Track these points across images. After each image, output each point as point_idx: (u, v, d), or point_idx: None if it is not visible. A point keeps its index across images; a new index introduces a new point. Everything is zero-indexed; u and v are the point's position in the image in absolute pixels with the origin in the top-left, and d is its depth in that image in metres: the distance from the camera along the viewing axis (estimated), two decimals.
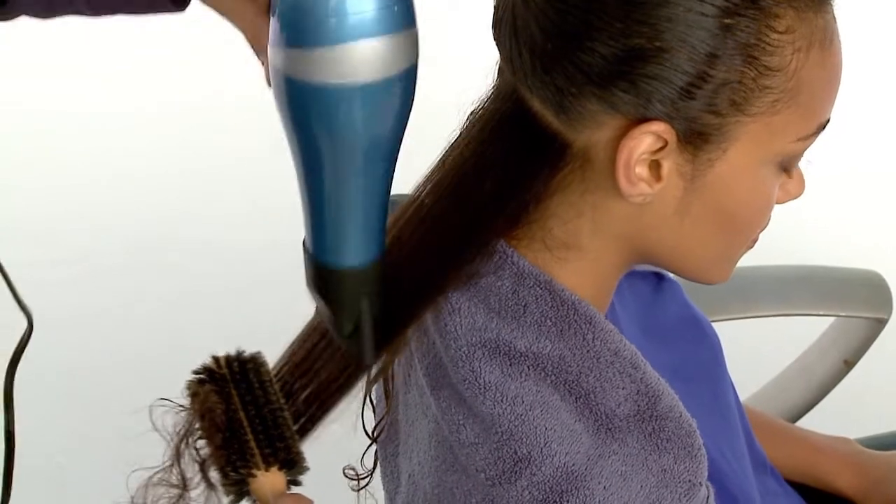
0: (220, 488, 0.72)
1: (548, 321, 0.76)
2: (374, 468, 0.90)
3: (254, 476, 0.71)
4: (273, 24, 0.65)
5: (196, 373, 0.74)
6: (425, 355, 0.79)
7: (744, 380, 1.11)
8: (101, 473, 0.79)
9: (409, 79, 0.66)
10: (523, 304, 0.76)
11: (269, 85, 0.68)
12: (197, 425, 0.75)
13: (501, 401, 0.74)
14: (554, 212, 0.76)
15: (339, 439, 0.82)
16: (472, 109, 0.77)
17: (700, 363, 0.96)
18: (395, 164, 0.70)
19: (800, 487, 1.11)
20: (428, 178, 0.78)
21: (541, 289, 0.76)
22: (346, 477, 0.90)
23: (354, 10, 0.62)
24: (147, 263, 2.71)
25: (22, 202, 2.94)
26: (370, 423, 0.87)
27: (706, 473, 0.78)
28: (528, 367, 0.75)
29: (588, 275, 0.78)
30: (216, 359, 0.74)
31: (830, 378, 1.38)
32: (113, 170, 3.02)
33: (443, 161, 0.77)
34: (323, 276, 0.73)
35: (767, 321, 1.35)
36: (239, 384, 0.73)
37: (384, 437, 0.88)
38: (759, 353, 1.67)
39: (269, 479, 0.71)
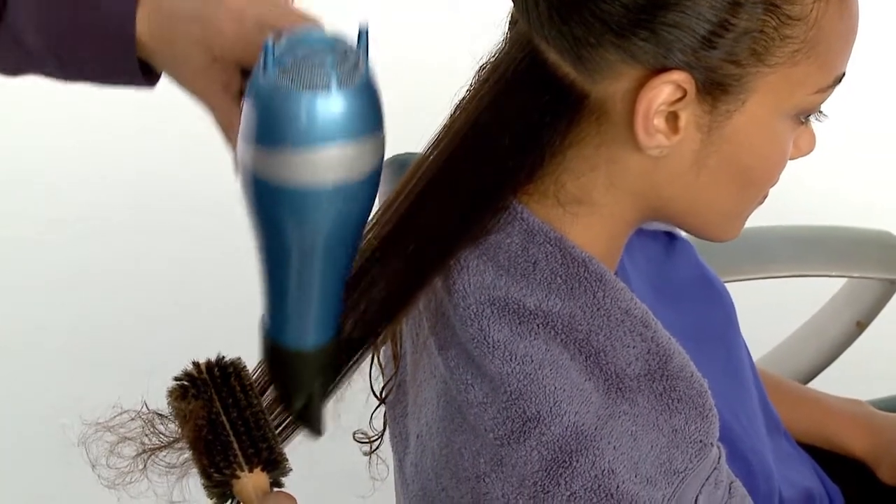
0: (203, 492, 0.72)
1: (558, 279, 0.75)
2: (384, 431, 0.90)
3: (237, 477, 0.71)
4: (243, 118, 0.65)
5: (177, 379, 0.74)
6: (433, 315, 0.79)
7: (756, 341, 1.10)
8: (105, 435, 0.78)
9: (374, 181, 0.67)
10: (533, 261, 0.75)
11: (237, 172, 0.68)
12: (179, 430, 0.75)
13: (510, 360, 0.73)
14: (567, 166, 0.75)
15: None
16: (483, 63, 0.75)
17: (712, 324, 0.95)
18: (356, 253, 0.71)
19: (812, 449, 1.10)
20: (438, 137, 0.77)
21: (551, 246, 0.75)
22: (357, 441, 0.89)
23: (325, 113, 0.62)
24: (152, 222, 2.71)
25: (28, 158, 2.93)
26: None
27: (717, 434, 0.77)
28: (538, 325, 0.74)
29: (599, 231, 0.77)
30: (196, 364, 0.74)
31: (843, 339, 1.38)
32: (118, 125, 3.01)
33: (453, 118, 0.77)
34: (279, 356, 0.74)
35: (780, 281, 1.34)
36: (220, 388, 0.73)
37: (392, 398, 0.87)
38: (771, 313, 1.66)
39: (252, 480, 0.71)
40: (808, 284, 1.36)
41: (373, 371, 0.85)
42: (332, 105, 0.62)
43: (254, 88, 0.64)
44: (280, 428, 0.80)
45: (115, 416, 0.77)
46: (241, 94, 0.78)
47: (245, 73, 0.78)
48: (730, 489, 0.80)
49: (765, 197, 0.80)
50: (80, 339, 2.34)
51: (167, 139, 2.96)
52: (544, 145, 0.73)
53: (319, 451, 0.84)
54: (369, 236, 0.79)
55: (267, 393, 0.80)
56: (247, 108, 0.65)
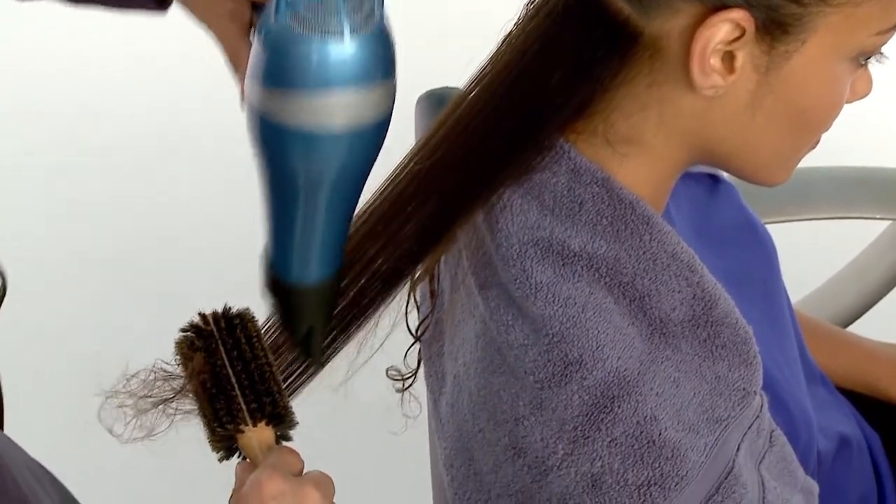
0: (208, 445, 0.72)
1: (604, 220, 0.73)
2: (418, 368, 0.89)
3: (241, 432, 0.70)
4: (252, 56, 0.64)
5: (183, 330, 0.73)
6: (474, 253, 0.77)
7: (795, 283, 1.09)
8: (137, 356, 0.78)
9: (382, 128, 0.65)
10: (579, 201, 0.73)
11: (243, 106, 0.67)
12: (184, 383, 0.74)
13: (553, 302, 0.72)
14: (618, 105, 0.73)
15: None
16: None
17: (754, 269, 0.93)
18: (362, 191, 0.70)
19: (851, 395, 1.09)
20: (482, 71, 0.75)
21: (598, 186, 0.73)
22: (390, 378, 0.88)
23: (336, 60, 0.61)
24: (176, 154, 2.70)
25: (59, 88, 2.93)
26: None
27: (761, 382, 0.76)
28: (582, 267, 0.73)
29: (648, 173, 0.76)
30: (203, 315, 0.73)
31: (886, 281, 1.36)
32: (139, 58, 2.99)
33: (499, 53, 0.75)
34: (281, 289, 0.74)
35: (821, 222, 1.32)
36: (226, 341, 0.72)
37: (428, 336, 0.86)
38: (812, 255, 1.64)
39: (256, 435, 0.70)
40: (851, 226, 1.34)
41: (408, 308, 0.84)
42: (343, 52, 0.61)
43: (264, 29, 0.63)
44: (288, 380, 0.79)
45: (128, 380, 0.76)
46: (249, 26, 0.78)
47: (256, 6, 0.77)
48: (770, 437, 0.79)
49: (817, 141, 0.78)
50: (113, 268, 2.34)
51: (193, 69, 2.95)
52: (594, 83, 0.71)
53: (353, 385, 0.83)
54: (405, 170, 0.77)
55: (274, 340, 0.80)
56: (256, 47, 0.63)
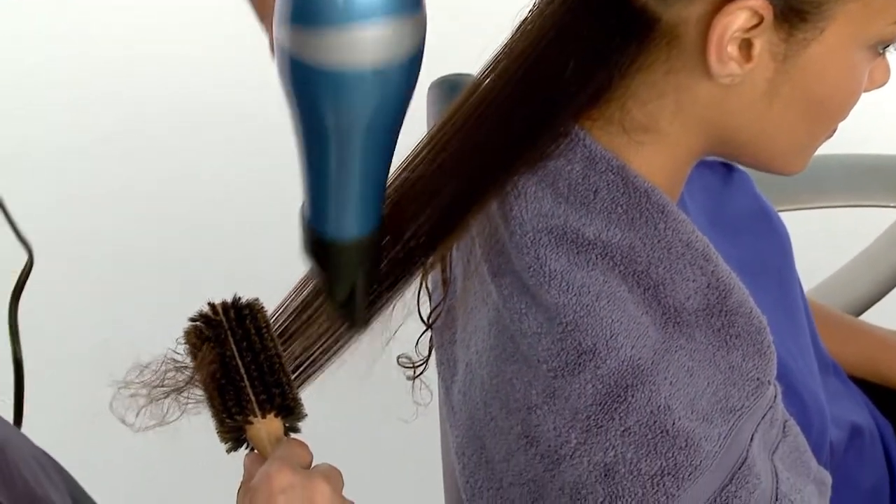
0: (217, 436, 0.71)
1: (618, 208, 0.73)
2: (429, 356, 0.88)
3: (250, 423, 0.69)
4: None
5: (192, 320, 0.72)
6: (487, 241, 0.77)
7: (807, 271, 1.08)
8: (146, 345, 0.78)
9: (414, 65, 0.64)
10: (593, 189, 0.73)
11: (273, 53, 0.66)
12: (193, 373, 0.74)
13: (567, 290, 0.71)
14: (634, 92, 0.73)
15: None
16: None
17: (768, 258, 0.93)
18: (397, 139, 0.69)
19: (863, 384, 1.08)
20: (497, 58, 0.75)
21: (613, 174, 0.73)
22: (401, 365, 0.88)
23: None
24: (188, 140, 2.70)
25: (76, 72, 2.93)
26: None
27: (775, 372, 0.75)
28: (596, 255, 0.72)
29: (663, 161, 0.75)
30: (213, 305, 0.72)
31: None
32: (151, 43, 2.99)
33: (514, 39, 0.74)
34: (320, 246, 0.72)
35: (834, 210, 1.31)
36: (235, 331, 0.71)
37: (440, 323, 0.86)
38: (824, 243, 1.64)
39: (265, 426, 0.69)
40: (864, 214, 1.33)
41: (420, 295, 0.84)
42: None
43: None
44: (297, 372, 0.79)
45: (141, 371, 0.76)
46: None
47: None
48: (784, 427, 0.79)
49: (834, 130, 0.77)
50: (123, 255, 2.34)
51: (206, 54, 2.94)
52: (611, 70, 0.71)
53: (363, 373, 0.83)
54: (418, 159, 0.77)
55: (284, 329, 0.79)
56: None
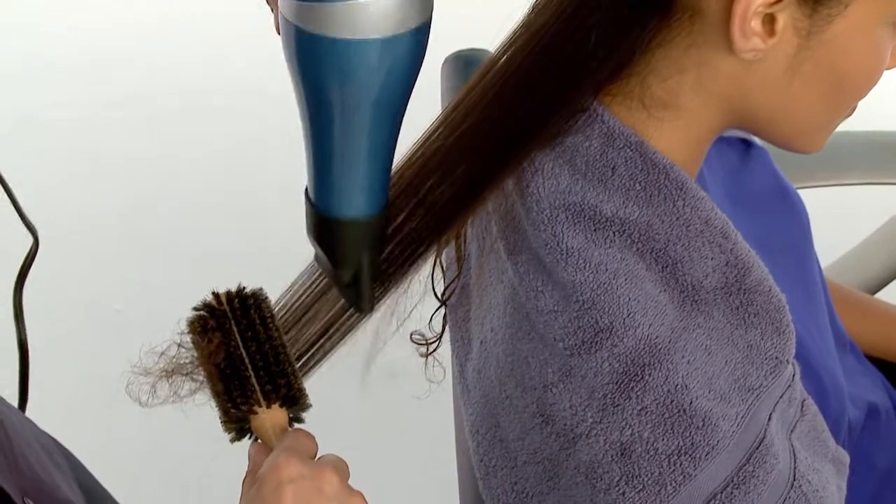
0: (221, 426, 0.70)
1: (636, 185, 0.72)
2: (442, 333, 0.88)
3: (255, 413, 0.69)
4: None
5: (196, 309, 0.71)
6: (503, 218, 0.76)
7: (823, 248, 1.07)
8: (157, 320, 0.77)
9: (423, 35, 0.64)
10: (611, 166, 0.72)
11: (279, 32, 0.65)
12: (197, 362, 0.73)
13: (584, 268, 0.70)
14: (655, 67, 0.72)
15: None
16: None
17: (787, 235, 0.92)
18: (403, 116, 0.68)
19: (880, 363, 1.07)
20: (516, 32, 0.74)
21: (631, 151, 0.72)
22: (414, 342, 0.87)
23: None
24: (200, 106, 2.69)
25: (79, 41, 2.92)
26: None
27: (794, 351, 0.74)
28: (614, 233, 0.71)
29: (682, 137, 0.74)
30: (216, 294, 0.72)
31: None
32: (161, 12, 2.97)
33: (534, 12, 0.73)
34: (324, 226, 0.72)
35: (850, 188, 1.30)
36: (239, 320, 0.71)
37: (455, 301, 0.85)
38: (840, 220, 1.62)
39: (270, 416, 0.69)
40: (881, 191, 1.32)
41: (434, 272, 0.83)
42: None
43: None
44: (301, 361, 0.78)
45: (159, 357, 0.76)
46: None
47: None
48: (802, 407, 0.78)
49: (853, 109, 0.77)
50: (133, 224, 2.34)
51: (216, 22, 2.93)
52: (633, 43, 0.70)
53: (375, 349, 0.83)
54: (436, 133, 0.76)
55: (288, 319, 0.79)
56: None
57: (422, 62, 0.66)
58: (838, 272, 1.30)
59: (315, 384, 0.76)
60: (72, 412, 1.76)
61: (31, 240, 0.89)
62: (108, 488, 0.90)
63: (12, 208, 0.87)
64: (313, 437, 0.68)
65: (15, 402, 0.87)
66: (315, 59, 0.63)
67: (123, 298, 2.07)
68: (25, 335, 0.88)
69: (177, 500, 1.79)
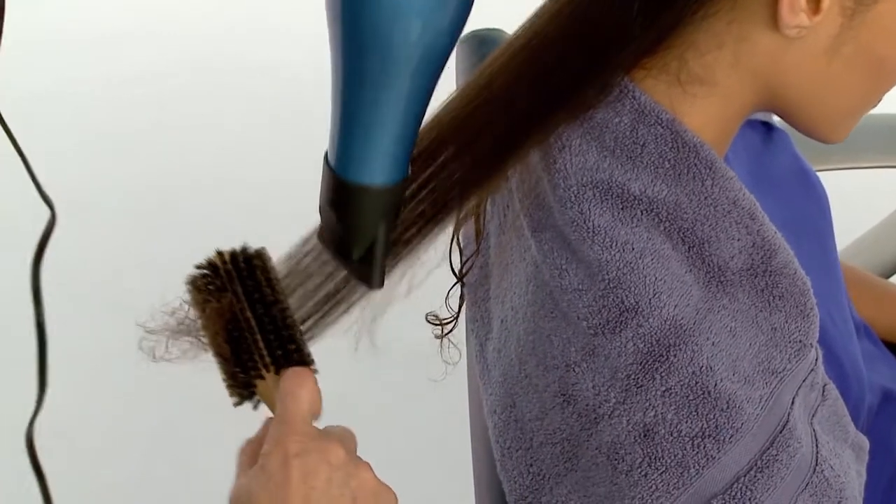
0: (225, 389, 0.68)
1: (665, 163, 0.71)
2: (459, 313, 0.87)
3: (262, 378, 0.66)
4: None
5: (199, 268, 0.68)
6: (528, 194, 0.75)
7: (838, 233, 1.06)
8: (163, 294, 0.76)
9: (463, 8, 0.61)
10: (641, 143, 0.71)
11: None
12: (201, 323, 0.70)
13: (610, 246, 0.69)
14: (693, 41, 0.71)
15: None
16: None
17: (808, 217, 0.91)
18: (438, 80, 0.65)
19: (894, 347, 1.07)
20: (542, 8, 0.72)
21: (662, 128, 0.71)
22: (429, 323, 0.86)
23: None
24: (213, 85, 2.68)
25: (92, 19, 2.91)
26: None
27: (817, 335, 0.74)
28: (641, 211, 0.70)
29: (715, 114, 0.73)
30: (221, 253, 0.68)
31: None
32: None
33: None
34: (343, 192, 0.68)
35: (865, 171, 1.29)
36: (245, 281, 0.68)
37: (474, 279, 0.84)
38: (854, 204, 1.62)
39: (277, 382, 0.66)
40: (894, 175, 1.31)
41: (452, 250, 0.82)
42: None
43: None
44: (305, 323, 0.76)
45: (172, 314, 0.74)
46: None
47: None
48: (823, 391, 0.77)
49: (879, 99, 0.76)
50: (142, 199, 2.33)
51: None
52: (677, 14, 0.69)
53: (390, 330, 0.81)
54: (453, 106, 0.74)
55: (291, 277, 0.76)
56: None
57: (466, 19, 0.63)
58: (853, 256, 1.30)
59: (327, 363, 0.75)
60: (90, 393, 1.75)
61: (47, 214, 0.87)
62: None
63: (28, 183, 0.86)
64: (319, 397, 0.66)
65: (33, 385, 0.86)
66: (354, 19, 0.61)
67: (137, 271, 2.06)
68: (43, 315, 0.86)
69: (190, 479, 1.79)
